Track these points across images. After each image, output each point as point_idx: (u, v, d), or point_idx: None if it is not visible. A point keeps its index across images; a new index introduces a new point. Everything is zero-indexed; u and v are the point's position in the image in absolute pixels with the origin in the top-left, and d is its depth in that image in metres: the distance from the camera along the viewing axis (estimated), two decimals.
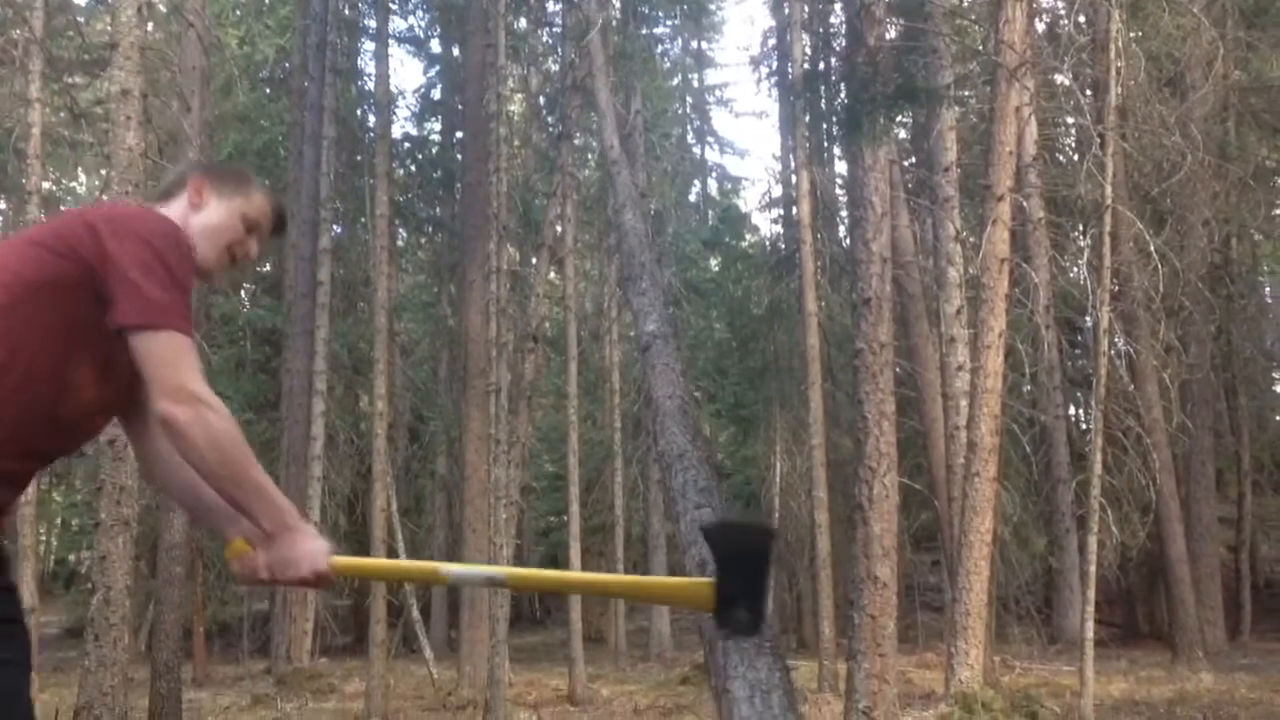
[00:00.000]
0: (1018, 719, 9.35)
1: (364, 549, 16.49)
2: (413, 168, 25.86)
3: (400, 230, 24.59)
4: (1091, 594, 10.35)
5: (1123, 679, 13.79)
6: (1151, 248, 11.82)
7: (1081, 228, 15.25)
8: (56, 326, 1.97)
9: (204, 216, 2.25)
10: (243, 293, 24.10)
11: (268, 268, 24.32)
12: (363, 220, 22.36)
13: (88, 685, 8.71)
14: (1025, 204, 14.64)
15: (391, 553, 17.21)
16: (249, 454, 2.05)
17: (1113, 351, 12.67)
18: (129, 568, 9.04)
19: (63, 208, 32.08)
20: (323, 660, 19.07)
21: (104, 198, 13.00)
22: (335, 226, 21.24)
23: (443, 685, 15.66)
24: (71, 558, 33.73)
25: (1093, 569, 10.34)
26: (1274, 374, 29.11)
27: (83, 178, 30.91)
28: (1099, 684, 11.03)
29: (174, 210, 2.22)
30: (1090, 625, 10.19)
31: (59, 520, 32.90)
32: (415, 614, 17.93)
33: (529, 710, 13.07)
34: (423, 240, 27.74)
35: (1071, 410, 23.09)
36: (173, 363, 1.98)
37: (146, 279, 1.96)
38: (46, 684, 12.50)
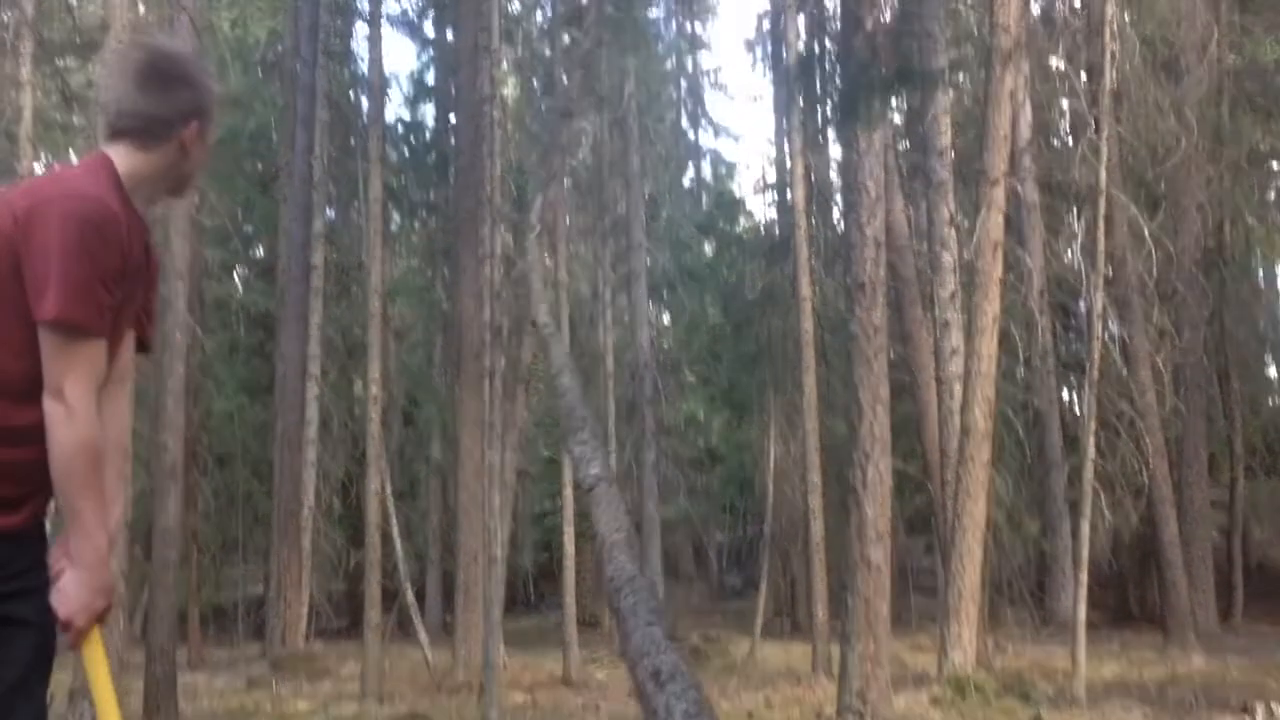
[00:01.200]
0: (1010, 700, 9.40)
1: (358, 532, 16.50)
2: (406, 151, 25.75)
3: (394, 214, 24.52)
4: (1084, 577, 10.40)
5: (1114, 661, 13.85)
6: (1146, 232, 11.85)
7: (1076, 212, 15.26)
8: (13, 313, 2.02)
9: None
10: (236, 277, 24.04)
11: (261, 252, 24.27)
12: (356, 204, 22.31)
13: (82, 668, 8.71)
14: (1020, 188, 14.64)
15: (386, 538, 17.23)
16: (89, 477, 2.04)
17: (1106, 336, 12.70)
18: (123, 551, 9.04)
19: None
20: (318, 644, 19.09)
21: None
22: (329, 210, 21.17)
23: (438, 668, 15.69)
24: None
25: (1085, 552, 10.39)
26: (1267, 358, 29.18)
27: (74, 160, 30.80)
28: (1091, 666, 11.08)
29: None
30: (1083, 608, 10.25)
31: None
32: (410, 598, 17.94)
33: (524, 692, 13.11)
34: (416, 224, 27.66)
35: (1065, 395, 23.15)
36: (62, 362, 2.00)
37: (58, 270, 1.97)
38: None
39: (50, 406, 1.99)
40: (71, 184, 2.10)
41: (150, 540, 12.24)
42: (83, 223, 1.99)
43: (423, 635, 17.43)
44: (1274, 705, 8.02)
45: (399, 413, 24.39)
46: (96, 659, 2.19)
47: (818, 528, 14.16)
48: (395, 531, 17.15)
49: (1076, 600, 10.32)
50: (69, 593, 2.07)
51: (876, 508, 8.39)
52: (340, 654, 17.76)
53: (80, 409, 2.00)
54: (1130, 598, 21.78)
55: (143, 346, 2.35)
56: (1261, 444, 24.32)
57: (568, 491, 18.03)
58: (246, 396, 21.87)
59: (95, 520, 2.07)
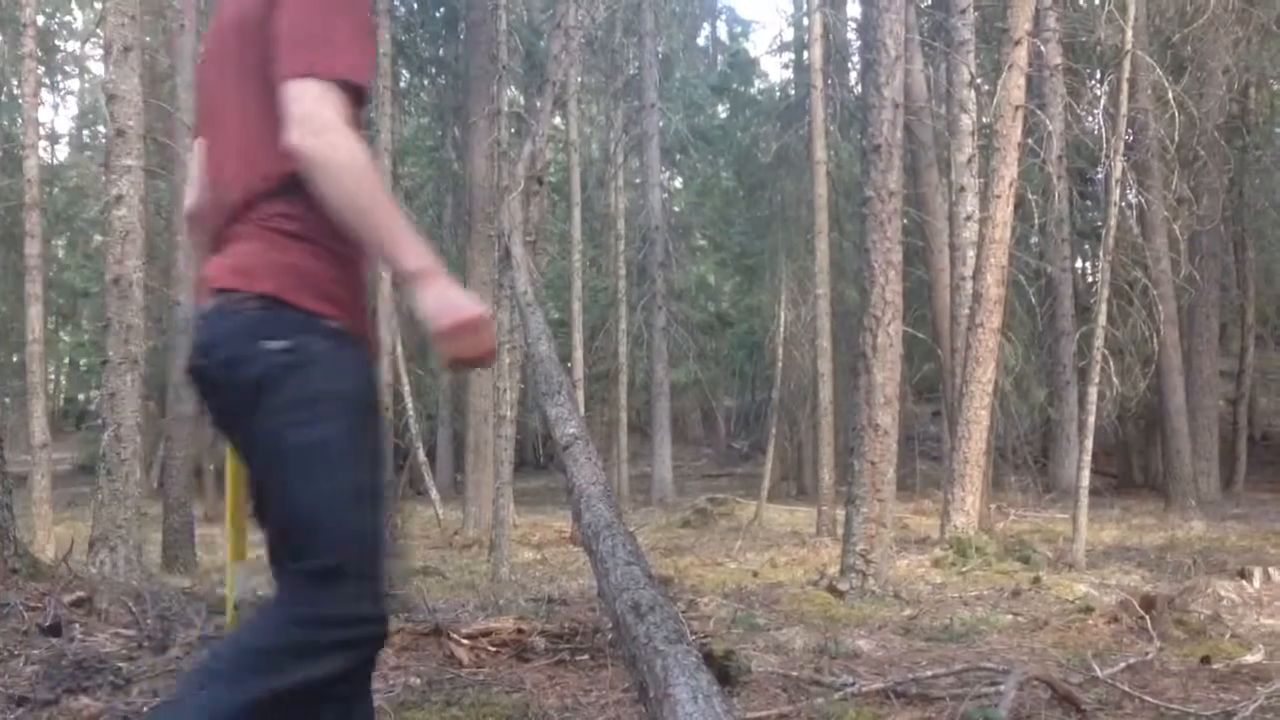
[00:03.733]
0: (1010, 562, 9.55)
1: None
2: (415, 4, 25.14)
3: (403, 71, 24.08)
4: (1089, 444, 10.45)
5: (1115, 526, 14.04)
6: (1170, 95, 11.56)
7: (1099, 75, 14.90)
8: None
9: None
10: None
11: None
12: None
13: (102, 518, 8.89)
14: (1043, 49, 14.27)
15: (397, 397, 17.39)
16: (379, 186, 1.89)
17: (1124, 202, 12.52)
18: (138, 405, 9.14)
19: (57, 42, 31.40)
20: None
21: (99, 31, 12.69)
22: None
23: (449, 526, 16.01)
24: (81, 396, 34.15)
25: (1091, 419, 10.42)
26: None
27: (77, 12, 30.21)
28: (1091, 530, 11.23)
29: None
30: (1086, 474, 10.33)
31: (67, 360, 33.20)
32: (421, 457, 18.22)
33: (533, 549, 13.38)
34: (425, 82, 27.18)
35: (1078, 263, 23.00)
36: (313, 99, 1.86)
37: (327, 25, 1.92)
38: (61, 518, 12.79)
39: (304, 141, 1.84)
40: None
41: (164, 396, 12.38)
42: None
43: (434, 493, 17.77)
44: (1271, 570, 8.13)
45: None
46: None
47: (826, 392, 14.21)
48: (406, 391, 17.31)
49: (1080, 466, 10.39)
50: (448, 297, 1.87)
51: (885, 372, 8.39)
52: None
53: (342, 128, 1.87)
54: (1134, 465, 22.02)
55: None
56: (1274, 313, 24.25)
57: (578, 354, 18.11)
58: None
59: (408, 227, 1.89)
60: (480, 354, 1.91)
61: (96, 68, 31.42)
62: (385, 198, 1.89)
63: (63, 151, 39.67)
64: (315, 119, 1.83)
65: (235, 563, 2.25)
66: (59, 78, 36.13)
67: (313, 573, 1.84)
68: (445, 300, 1.86)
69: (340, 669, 1.85)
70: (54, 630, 4.91)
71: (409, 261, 1.86)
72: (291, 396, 1.87)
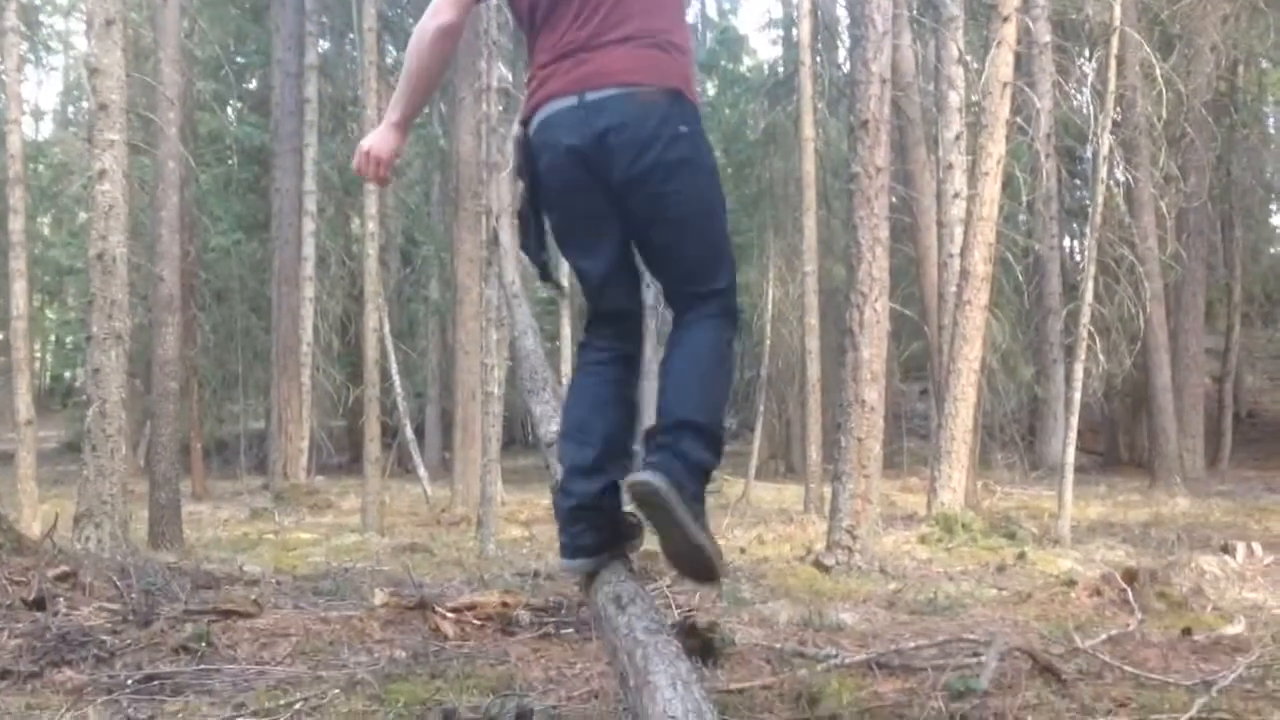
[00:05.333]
0: (996, 538, 9.59)
1: (357, 370, 16.63)
2: None
3: (389, 46, 23.89)
4: (1075, 420, 10.49)
5: (1100, 503, 14.12)
6: (1158, 72, 11.56)
7: (1088, 53, 14.88)
8: None
9: None
10: (229, 109, 23.59)
11: (253, 84, 23.74)
12: (351, 36, 21.75)
13: (87, 494, 8.86)
14: (1032, 25, 14.24)
15: (385, 375, 17.36)
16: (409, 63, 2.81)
17: (1111, 180, 12.53)
18: (123, 381, 9.10)
19: (41, 17, 31.10)
20: (319, 478, 19.43)
21: (81, 5, 12.56)
22: (322, 41, 20.66)
23: (437, 504, 16.00)
24: (66, 374, 34.02)
25: (1077, 396, 10.46)
26: (1271, 206, 28.94)
27: None
28: (1077, 507, 11.29)
29: None
30: (1071, 451, 10.36)
31: (52, 337, 33.05)
32: (409, 434, 18.20)
33: (521, 527, 13.38)
34: None
35: (1066, 241, 23.04)
36: None
37: None
38: (47, 495, 12.75)
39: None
40: None
41: (150, 373, 12.34)
42: None
43: (422, 471, 17.75)
44: (1254, 545, 8.19)
45: (397, 252, 24.28)
46: None
47: (814, 370, 14.22)
48: (394, 369, 17.29)
49: (1066, 443, 10.42)
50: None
51: (872, 349, 8.40)
52: (341, 488, 18.09)
53: (428, 18, 2.78)
54: (1120, 443, 22.12)
55: None
56: (1260, 292, 24.35)
57: (566, 331, 18.09)
58: (242, 232, 21.73)
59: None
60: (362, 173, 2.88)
61: (80, 42, 31.15)
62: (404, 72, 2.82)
63: (47, 127, 39.43)
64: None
65: None
66: (42, 53, 35.85)
67: (731, 284, 2.84)
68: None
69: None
70: (38, 604, 4.90)
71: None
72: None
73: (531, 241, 2.92)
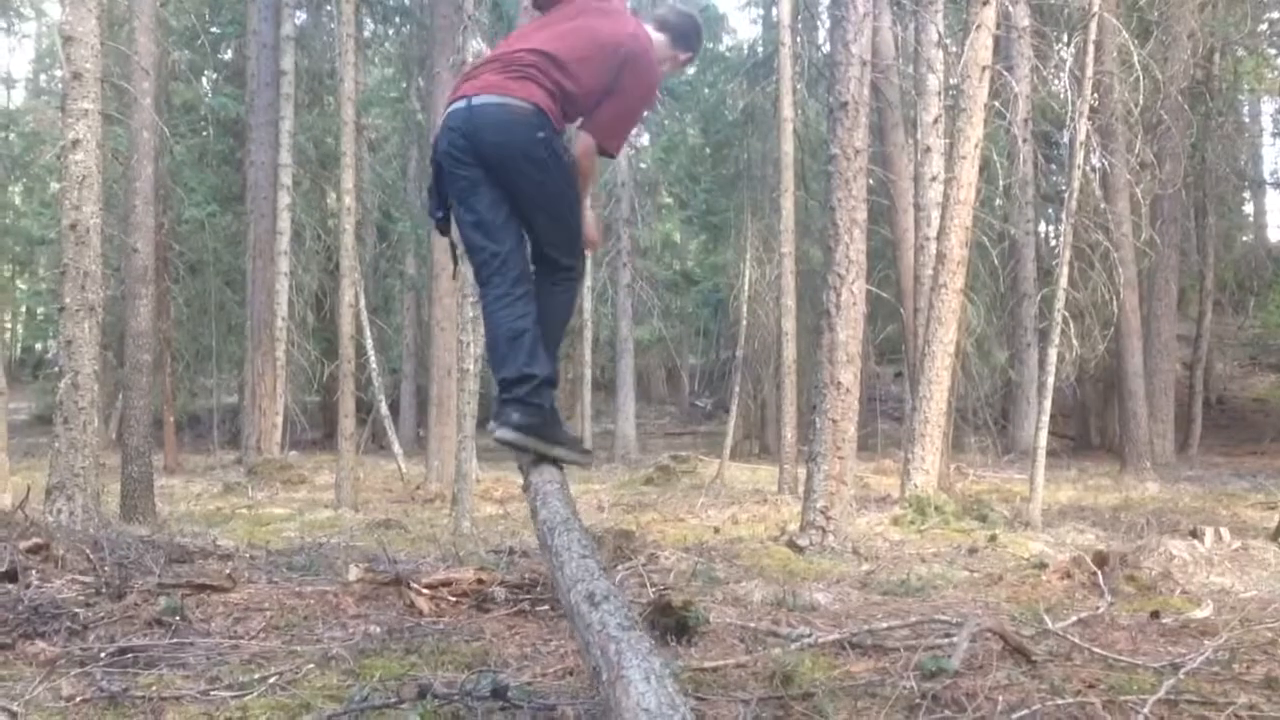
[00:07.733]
0: (968, 521, 9.66)
1: (332, 346, 16.55)
2: None
3: (367, 20, 23.72)
4: (1048, 405, 10.56)
5: (1071, 487, 14.24)
6: (1135, 59, 11.60)
7: (1066, 38, 14.92)
8: None
9: None
10: (204, 80, 23.35)
11: (229, 54, 23.50)
12: (328, 7, 21.54)
13: (59, 466, 8.80)
14: (1011, 10, 14.26)
15: (360, 351, 17.28)
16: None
17: (1087, 166, 12.58)
18: (96, 353, 9.02)
19: None
20: (293, 453, 19.36)
21: None
22: (299, 13, 20.45)
23: (411, 480, 15.97)
24: (38, 345, 33.70)
25: (1050, 380, 10.53)
26: (1245, 194, 29.18)
27: None
28: (1048, 491, 11.39)
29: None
30: (1044, 435, 10.44)
31: (24, 308, 32.71)
32: (384, 410, 18.15)
33: (495, 504, 13.38)
34: (390, 31, 26.80)
35: (1041, 226, 23.15)
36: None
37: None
38: (18, 468, 12.65)
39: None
40: None
41: (123, 346, 12.23)
42: None
43: (396, 447, 17.70)
44: (1222, 530, 8.28)
45: (373, 227, 24.15)
46: None
47: (790, 351, 14.25)
48: (369, 345, 17.21)
49: (1038, 427, 10.50)
50: None
51: (849, 330, 8.43)
52: (315, 464, 18.03)
53: None
54: (1091, 427, 22.30)
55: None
56: (1232, 280, 24.55)
57: None
58: (217, 205, 21.55)
59: None
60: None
61: (53, 9, 30.71)
62: None
63: (19, 96, 38.92)
64: None
65: None
66: (15, 20, 35.37)
67: (581, 257, 3.72)
68: None
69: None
70: (10, 576, 4.87)
71: None
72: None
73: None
